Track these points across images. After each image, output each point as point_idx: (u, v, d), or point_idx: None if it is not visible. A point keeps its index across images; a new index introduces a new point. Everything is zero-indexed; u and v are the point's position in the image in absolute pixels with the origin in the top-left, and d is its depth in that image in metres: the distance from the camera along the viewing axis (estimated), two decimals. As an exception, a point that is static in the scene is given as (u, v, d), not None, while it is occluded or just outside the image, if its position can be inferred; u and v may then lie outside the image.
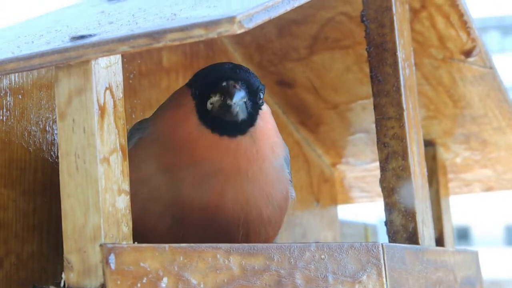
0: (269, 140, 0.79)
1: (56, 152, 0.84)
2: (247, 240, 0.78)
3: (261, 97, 0.79)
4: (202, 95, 0.76)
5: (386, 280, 0.81)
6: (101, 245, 0.58)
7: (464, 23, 1.07)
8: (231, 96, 0.73)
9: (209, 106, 0.75)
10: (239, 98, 0.74)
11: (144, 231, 0.72)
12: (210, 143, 0.75)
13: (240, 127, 0.76)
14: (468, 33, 1.08)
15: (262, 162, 0.78)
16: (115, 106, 0.64)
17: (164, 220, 0.75)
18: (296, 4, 0.66)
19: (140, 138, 0.79)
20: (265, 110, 0.80)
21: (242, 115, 0.75)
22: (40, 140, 0.83)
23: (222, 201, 0.76)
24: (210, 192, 0.76)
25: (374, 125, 0.97)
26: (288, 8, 0.65)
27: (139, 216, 0.72)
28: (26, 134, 0.81)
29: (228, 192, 0.76)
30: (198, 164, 0.75)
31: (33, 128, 0.82)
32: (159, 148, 0.77)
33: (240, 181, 0.77)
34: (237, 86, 0.74)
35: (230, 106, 0.73)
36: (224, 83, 0.74)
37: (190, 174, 0.75)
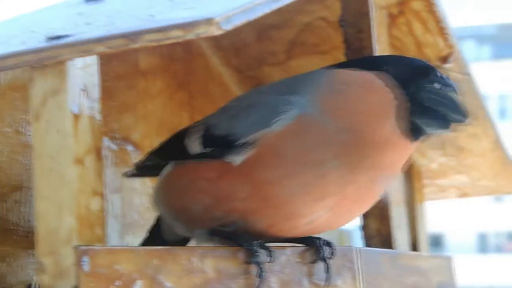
0: None
1: (30, 154, 0.83)
2: None
3: None
4: (410, 85, 0.69)
5: (361, 284, 0.81)
6: (74, 248, 0.58)
7: (442, 29, 1.07)
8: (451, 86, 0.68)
9: (428, 97, 0.68)
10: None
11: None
12: (402, 150, 0.70)
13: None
14: (445, 39, 1.08)
15: None
16: (90, 107, 0.63)
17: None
18: (275, 7, 0.66)
19: (303, 115, 0.69)
20: None
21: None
22: (14, 141, 0.82)
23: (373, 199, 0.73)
24: (370, 194, 0.72)
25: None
26: (267, 10, 0.65)
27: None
28: None
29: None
30: (379, 169, 0.70)
31: (6, 129, 0.81)
32: (336, 141, 0.68)
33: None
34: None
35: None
36: (438, 73, 0.69)
37: (364, 176, 0.69)
